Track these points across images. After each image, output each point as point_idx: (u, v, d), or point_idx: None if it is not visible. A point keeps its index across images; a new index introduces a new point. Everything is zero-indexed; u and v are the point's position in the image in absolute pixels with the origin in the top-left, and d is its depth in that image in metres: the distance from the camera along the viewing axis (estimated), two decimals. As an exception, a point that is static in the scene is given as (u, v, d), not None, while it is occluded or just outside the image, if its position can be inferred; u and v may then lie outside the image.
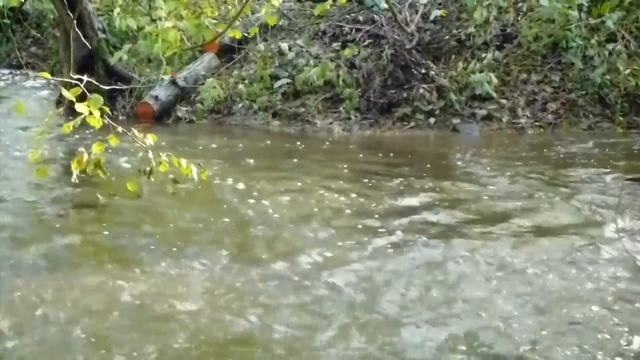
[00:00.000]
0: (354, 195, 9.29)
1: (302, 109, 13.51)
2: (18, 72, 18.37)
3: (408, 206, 8.95)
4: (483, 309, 6.27)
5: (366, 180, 9.90)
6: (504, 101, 13.30)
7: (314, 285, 6.70)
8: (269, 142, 12.34)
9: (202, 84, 14.14)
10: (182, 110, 13.90)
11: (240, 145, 12.08)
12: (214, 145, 12.06)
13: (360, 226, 8.20)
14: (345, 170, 10.46)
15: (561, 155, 11.30)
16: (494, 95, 13.24)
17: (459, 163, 10.96)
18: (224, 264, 7.16)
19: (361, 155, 11.68)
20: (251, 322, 6.04)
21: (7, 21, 17.62)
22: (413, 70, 13.30)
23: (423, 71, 13.29)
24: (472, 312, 6.25)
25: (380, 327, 5.99)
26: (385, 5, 14.30)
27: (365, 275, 6.93)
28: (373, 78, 13.45)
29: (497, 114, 13.07)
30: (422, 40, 13.83)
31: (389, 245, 7.65)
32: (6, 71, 18.58)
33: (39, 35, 19.38)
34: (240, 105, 13.82)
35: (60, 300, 6.37)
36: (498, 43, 14.07)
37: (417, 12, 14.43)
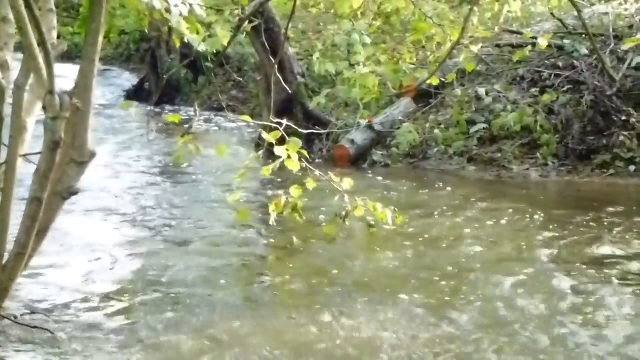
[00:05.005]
0: (552, 242, 9.09)
1: (499, 155, 13.36)
2: (217, 114, 18.92)
3: (609, 255, 8.67)
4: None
5: (564, 229, 9.66)
6: None
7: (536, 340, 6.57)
8: (464, 187, 12.21)
9: (398, 128, 14.20)
10: (377, 154, 13.99)
11: (435, 189, 12.01)
12: (408, 190, 12.02)
13: (558, 274, 7.99)
14: (540, 217, 10.21)
15: None
16: (699, 143, 12.74)
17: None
18: (418, 311, 7.09)
19: (558, 203, 11.41)
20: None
21: (209, 65, 18.15)
22: (613, 116, 12.96)
23: (624, 118, 12.91)
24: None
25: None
26: (586, 51, 14.03)
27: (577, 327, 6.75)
28: (572, 124, 13.18)
29: (701, 163, 12.56)
30: (623, 86, 13.44)
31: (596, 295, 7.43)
32: (207, 113, 19.12)
33: (239, 79, 19.86)
34: (435, 149, 13.80)
35: (257, 341, 6.45)
36: (703, 90, 13.56)
37: (619, 58, 14.05)
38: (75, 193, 5.85)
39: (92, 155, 5.78)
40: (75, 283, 7.72)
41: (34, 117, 6.18)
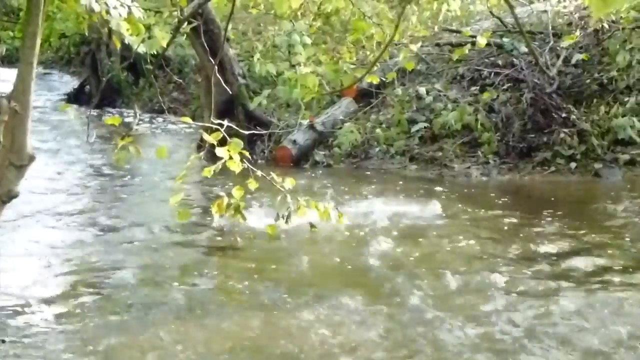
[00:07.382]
0: (491, 240, 9.17)
1: (440, 153, 13.44)
2: (158, 116, 18.83)
3: (548, 252, 8.76)
4: None
5: (505, 226, 9.76)
6: (647, 146, 12.95)
7: (457, 335, 6.62)
8: (405, 186, 12.25)
9: (340, 128, 14.23)
10: (319, 155, 14.00)
11: (377, 189, 12.04)
12: (349, 189, 12.04)
13: (498, 272, 8.05)
14: (483, 215, 10.30)
15: None
16: (638, 139, 12.89)
17: (602, 209, 10.67)
18: (361, 308, 7.12)
19: (499, 201, 11.49)
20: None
21: (149, 67, 18.04)
22: (553, 114, 13.08)
23: (564, 115, 13.04)
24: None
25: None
26: (525, 49, 14.15)
27: (508, 324, 6.80)
28: (512, 122, 13.30)
29: (640, 159, 12.73)
30: (562, 84, 13.58)
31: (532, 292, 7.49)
32: (148, 116, 19.02)
33: (180, 80, 19.77)
34: (377, 149, 13.85)
35: (199, 341, 6.43)
36: (641, 87, 13.74)
37: (558, 56, 14.20)
38: (14, 196, 5.77)
39: (31, 158, 5.71)
40: (15, 287, 7.63)
41: (-29, 121, 6.09)
